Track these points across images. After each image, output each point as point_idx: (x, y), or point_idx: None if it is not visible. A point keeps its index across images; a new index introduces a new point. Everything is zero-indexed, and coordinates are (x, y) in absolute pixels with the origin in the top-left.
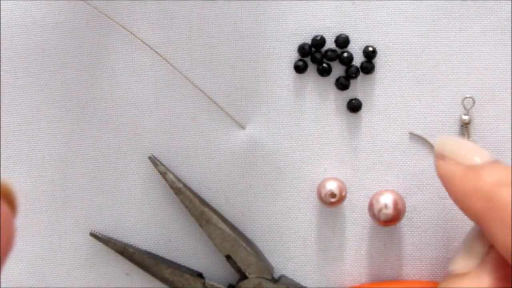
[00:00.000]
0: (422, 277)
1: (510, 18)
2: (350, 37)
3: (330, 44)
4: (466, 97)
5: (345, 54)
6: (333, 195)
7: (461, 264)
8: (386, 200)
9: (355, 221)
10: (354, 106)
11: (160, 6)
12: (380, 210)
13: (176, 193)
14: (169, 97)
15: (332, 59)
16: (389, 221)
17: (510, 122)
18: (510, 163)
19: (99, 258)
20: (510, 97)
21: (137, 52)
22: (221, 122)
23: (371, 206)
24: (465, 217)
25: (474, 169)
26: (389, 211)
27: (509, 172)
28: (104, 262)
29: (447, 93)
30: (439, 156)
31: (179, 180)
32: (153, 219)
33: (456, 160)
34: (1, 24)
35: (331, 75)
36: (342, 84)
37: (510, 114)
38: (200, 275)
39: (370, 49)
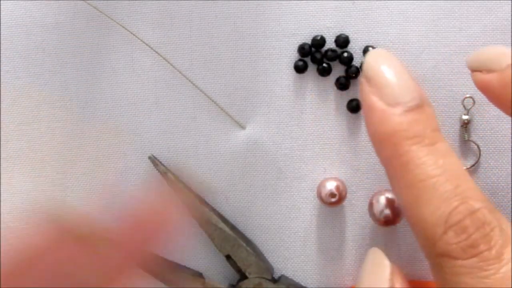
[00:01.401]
0: (422, 277)
1: (510, 18)
2: (350, 37)
3: (330, 44)
4: (466, 97)
5: (345, 54)
6: (333, 195)
7: None
8: (385, 200)
9: (355, 221)
10: (354, 106)
11: (160, 6)
12: (381, 211)
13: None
14: (169, 97)
15: (332, 59)
16: (389, 221)
17: (510, 122)
18: (510, 163)
19: None
20: None
21: (137, 52)
22: (221, 122)
23: (371, 206)
24: None
25: (392, 112)
26: (389, 211)
27: (430, 125)
28: None
29: (447, 93)
30: (364, 77)
31: (179, 180)
32: None
33: (379, 93)
34: (1, 24)
35: (331, 75)
36: (342, 84)
37: None
38: (200, 275)
39: (370, 49)
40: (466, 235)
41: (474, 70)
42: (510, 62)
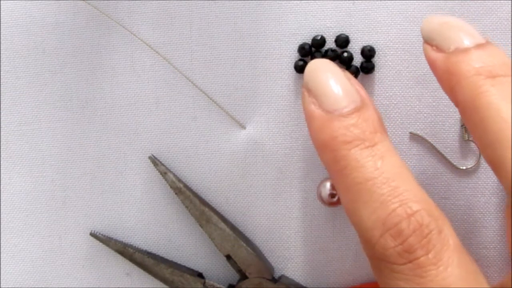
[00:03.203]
0: None
1: (510, 18)
2: (350, 37)
3: (330, 44)
4: None
5: (345, 54)
6: (333, 195)
7: None
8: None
9: None
10: None
11: (160, 6)
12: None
13: (176, 193)
14: (169, 97)
15: (332, 59)
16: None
17: None
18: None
19: (99, 258)
20: None
21: (137, 52)
22: (221, 122)
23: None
24: (466, 218)
25: (330, 118)
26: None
27: (368, 127)
28: (104, 262)
29: None
30: (305, 87)
31: (179, 180)
32: (153, 219)
33: (317, 102)
34: (1, 24)
35: None
36: None
37: None
38: (200, 275)
39: (368, 48)
40: (402, 239)
41: (426, 41)
42: (459, 45)
